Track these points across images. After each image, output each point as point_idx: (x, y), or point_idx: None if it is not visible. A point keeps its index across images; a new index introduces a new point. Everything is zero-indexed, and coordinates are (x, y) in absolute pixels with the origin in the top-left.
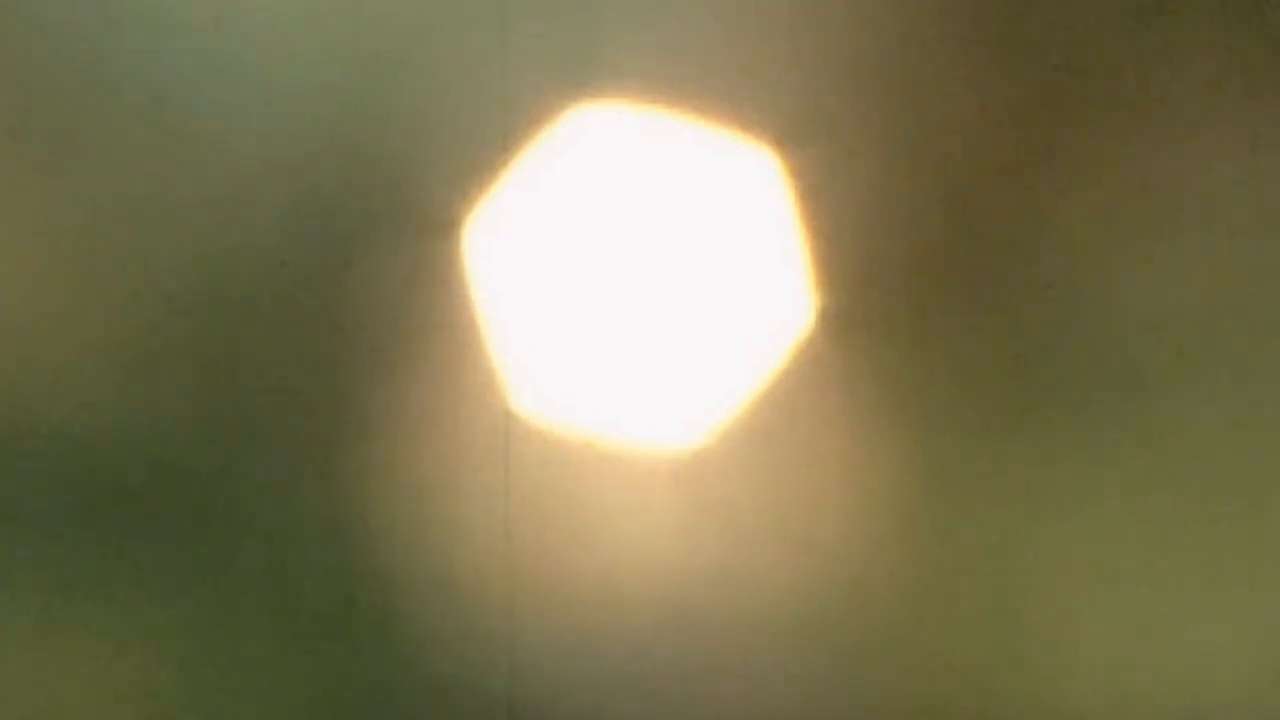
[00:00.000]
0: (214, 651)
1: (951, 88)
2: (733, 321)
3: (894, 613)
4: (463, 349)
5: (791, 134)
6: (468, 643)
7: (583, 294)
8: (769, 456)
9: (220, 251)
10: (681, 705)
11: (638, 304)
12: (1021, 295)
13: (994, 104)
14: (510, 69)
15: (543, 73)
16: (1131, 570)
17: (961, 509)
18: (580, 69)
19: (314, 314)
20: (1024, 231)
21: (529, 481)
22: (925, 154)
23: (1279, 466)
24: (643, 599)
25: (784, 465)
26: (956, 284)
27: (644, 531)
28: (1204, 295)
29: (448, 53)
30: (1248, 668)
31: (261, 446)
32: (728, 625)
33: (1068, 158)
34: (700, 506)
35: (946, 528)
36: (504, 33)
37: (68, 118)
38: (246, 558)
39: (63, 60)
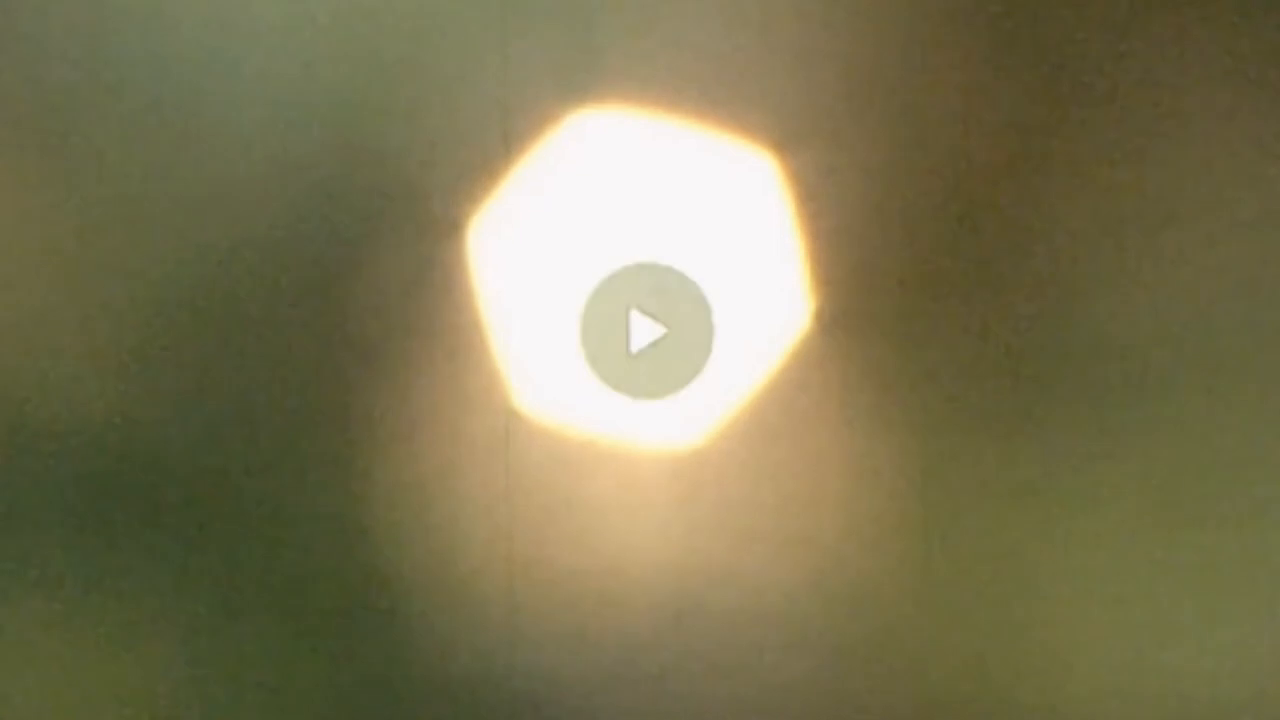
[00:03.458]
0: (214, 651)
1: (950, 89)
2: (732, 321)
3: (894, 612)
4: (465, 349)
5: (791, 137)
6: (468, 643)
7: (583, 295)
8: (769, 456)
9: (221, 252)
10: (681, 704)
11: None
12: (1021, 295)
13: (993, 105)
14: (511, 71)
15: (543, 75)
16: (1132, 570)
17: (961, 509)
18: (581, 72)
19: (316, 315)
20: (1023, 231)
21: (530, 481)
22: (924, 156)
23: (1279, 466)
24: (643, 598)
25: (784, 465)
26: (955, 284)
27: (644, 531)
28: (1204, 295)
29: (448, 54)
30: (1248, 668)
31: (262, 447)
32: (727, 624)
33: (1068, 158)
34: (700, 506)
35: (946, 528)
36: (505, 34)
37: (67, 118)
38: (247, 558)
39: (63, 60)
